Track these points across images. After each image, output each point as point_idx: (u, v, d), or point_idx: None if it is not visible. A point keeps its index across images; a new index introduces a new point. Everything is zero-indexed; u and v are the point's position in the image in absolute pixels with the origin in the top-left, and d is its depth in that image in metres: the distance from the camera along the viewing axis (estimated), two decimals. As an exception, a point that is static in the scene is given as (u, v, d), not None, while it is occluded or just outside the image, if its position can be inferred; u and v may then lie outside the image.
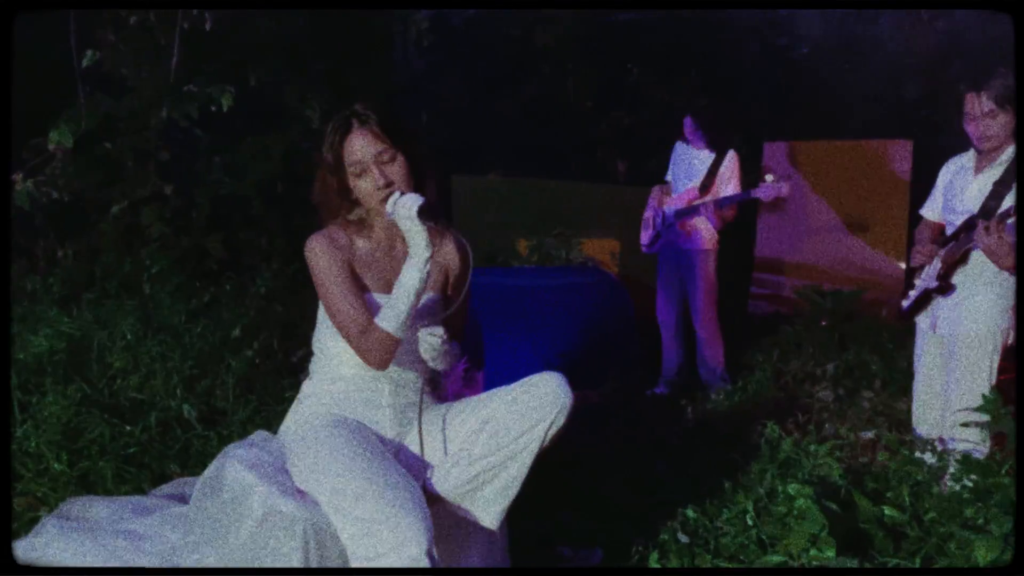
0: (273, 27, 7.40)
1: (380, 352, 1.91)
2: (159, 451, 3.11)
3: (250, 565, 1.75)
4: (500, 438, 1.86)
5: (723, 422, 4.03)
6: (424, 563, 1.64)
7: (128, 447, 3.03)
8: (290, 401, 3.82)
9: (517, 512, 2.77)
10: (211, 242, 6.09)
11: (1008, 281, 2.87)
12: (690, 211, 4.66)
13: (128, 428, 3.14)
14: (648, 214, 4.91)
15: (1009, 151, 2.92)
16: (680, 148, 4.85)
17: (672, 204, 4.77)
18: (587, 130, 9.11)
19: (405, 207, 1.87)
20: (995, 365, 2.88)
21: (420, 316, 1.98)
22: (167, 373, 3.71)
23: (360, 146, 1.95)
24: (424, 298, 2.00)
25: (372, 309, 1.95)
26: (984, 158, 2.99)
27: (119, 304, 4.45)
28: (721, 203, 4.59)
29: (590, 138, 9.15)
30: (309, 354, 4.62)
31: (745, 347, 5.23)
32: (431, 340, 1.91)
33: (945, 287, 3.06)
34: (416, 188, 1.98)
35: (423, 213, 1.86)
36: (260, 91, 6.97)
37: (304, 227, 6.64)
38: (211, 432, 3.33)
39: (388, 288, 1.96)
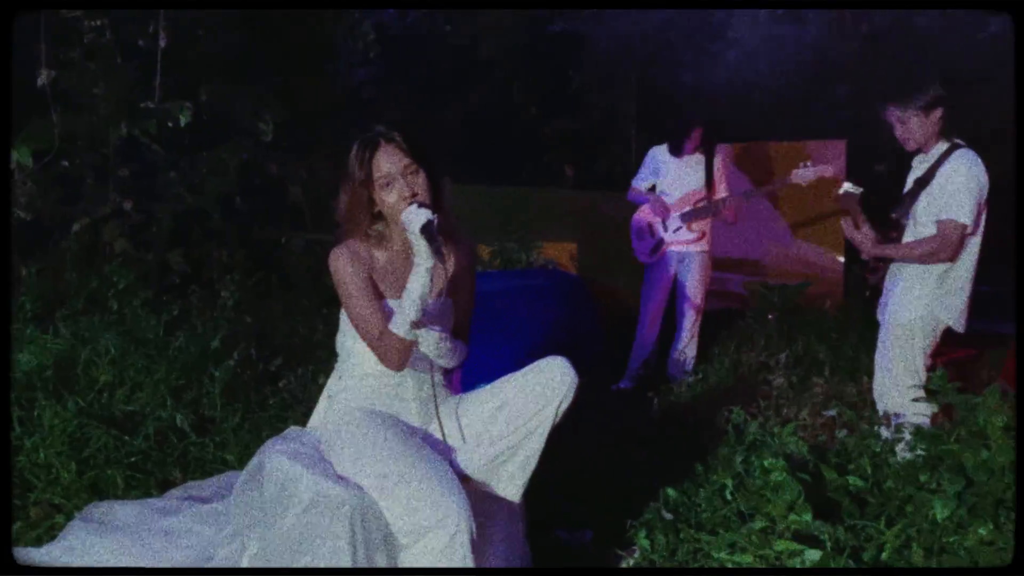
0: (220, 42, 7.48)
1: (396, 354, 2.09)
2: (159, 459, 3.23)
3: (296, 549, 1.90)
4: (517, 418, 2.06)
5: (689, 411, 4.29)
6: (465, 535, 1.83)
7: (130, 456, 3.15)
8: (274, 408, 3.99)
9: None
10: (173, 257, 6.17)
11: (943, 276, 3.19)
12: (702, 211, 4.86)
13: (126, 438, 3.25)
14: (642, 224, 5.02)
15: (935, 150, 3.23)
16: (664, 157, 4.96)
17: (677, 208, 4.91)
18: (533, 136, 9.36)
19: (412, 221, 2.05)
20: (923, 350, 3.22)
21: (433, 317, 2.15)
22: (154, 385, 3.81)
23: (388, 160, 2.13)
24: (436, 301, 2.17)
25: (390, 314, 2.13)
26: (921, 158, 3.30)
27: (97, 320, 4.51)
28: (749, 194, 4.85)
29: (536, 144, 9.40)
30: (286, 362, 4.76)
31: (700, 341, 5.49)
32: (430, 337, 2.09)
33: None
34: (434, 200, 2.16)
35: (424, 230, 2.03)
36: (211, 106, 7.05)
37: (263, 239, 6.74)
38: (205, 439, 3.46)
39: (401, 295, 2.12)
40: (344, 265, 2.14)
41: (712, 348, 5.31)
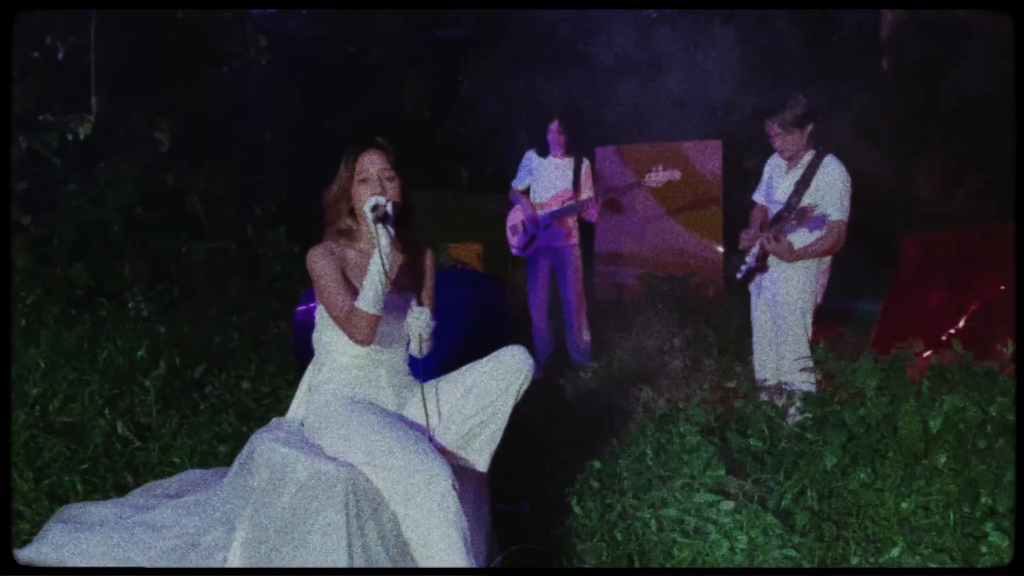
0: (110, 52, 7.42)
1: (362, 329, 2.31)
2: (109, 465, 3.36)
3: (290, 527, 2.12)
4: (484, 399, 2.38)
5: (598, 393, 4.66)
6: (452, 495, 2.11)
7: (82, 463, 3.27)
8: (206, 412, 4.12)
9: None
10: (75, 270, 6.13)
11: (814, 262, 3.74)
12: (566, 210, 5.25)
13: (75, 447, 3.37)
14: (515, 221, 5.45)
15: (807, 157, 3.77)
16: (536, 160, 5.38)
17: (547, 208, 5.31)
18: (427, 140, 9.61)
19: (367, 205, 2.33)
20: (809, 320, 3.75)
21: (401, 314, 2.42)
22: (89, 395, 3.90)
23: (371, 160, 2.45)
24: (404, 297, 2.45)
25: None
26: (790, 162, 3.80)
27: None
28: (611, 195, 5.22)
29: (430, 148, 9.66)
30: (208, 370, 4.87)
31: (599, 330, 5.89)
32: (422, 318, 2.37)
33: (762, 266, 3.89)
34: (404, 209, 2.45)
35: (373, 210, 2.31)
36: (105, 117, 7.01)
37: (165, 250, 6.75)
38: (149, 445, 3.59)
39: None
40: (319, 259, 2.39)
41: (613, 336, 5.71)
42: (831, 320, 5.53)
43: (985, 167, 9.10)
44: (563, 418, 4.25)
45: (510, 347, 2.43)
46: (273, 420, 2.53)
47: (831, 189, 3.63)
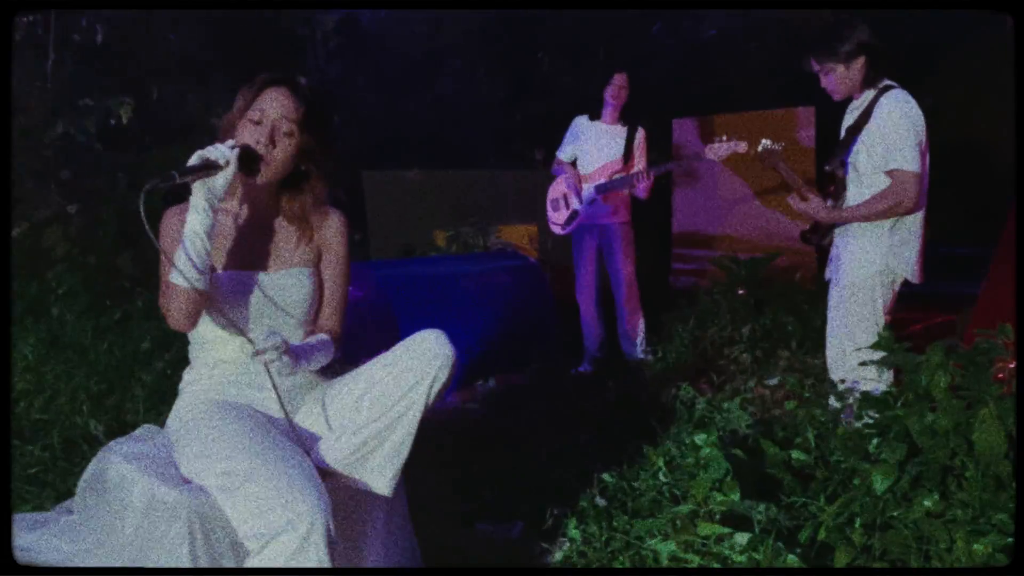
0: (178, 40, 7.27)
1: (174, 306, 1.77)
2: (63, 469, 3.02)
3: (138, 558, 1.68)
4: (383, 402, 1.81)
5: (644, 391, 4.06)
6: (319, 535, 1.57)
7: (28, 467, 2.94)
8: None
9: (437, 492, 2.76)
10: (120, 260, 5.95)
11: (894, 227, 2.97)
12: (616, 184, 4.63)
13: (29, 448, 3.05)
14: (557, 195, 4.86)
15: (861, 98, 3.03)
16: (585, 125, 4.76)
17: (593, 180, 4.70)
18: (503, 121, 9.13)
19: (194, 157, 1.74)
20: (880, 306, 2.99)
21: (285, 291, 1.92)
22: (73, 391, 3.60)
23: (274, 99, 1.87)
24: (278, 274, 1.94)
25: (220, 286, 1.85)
26: (853, 104, 3.09)
27: (30, 325, 4.30)
28: (660, 170, 4.60)
29: (506, 128, 9.17)
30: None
31: (667, 320, 5.28)
32: (271, 343, 1.75)
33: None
34: (293, 178, 1.94)
35: (201, 168, 1.71)
36: (164, 105, 6.85)
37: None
38: (121, 446, 3.24)
39: (242, 265, 1.90)
40: (174, 215, 1.87)
41: (675, 325, 5.08)
42: (941, 307, 4.70)
43: None
44: (598, 419, 3.68)
45: (424, 331, 1.86)
46: (142, 427, 2.07)
47: (887, 130, 2.86)
